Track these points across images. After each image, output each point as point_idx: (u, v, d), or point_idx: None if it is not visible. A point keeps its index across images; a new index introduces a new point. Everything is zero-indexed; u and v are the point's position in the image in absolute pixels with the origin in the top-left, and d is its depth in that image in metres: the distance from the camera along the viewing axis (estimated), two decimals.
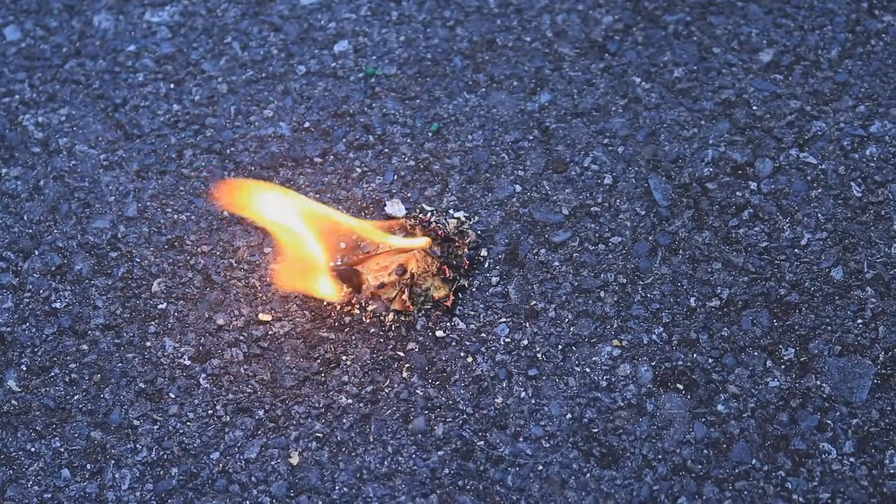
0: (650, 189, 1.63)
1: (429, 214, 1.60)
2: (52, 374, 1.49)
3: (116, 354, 1.50)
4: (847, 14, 1.83)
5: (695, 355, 1.46)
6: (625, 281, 1.54)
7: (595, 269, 1.55)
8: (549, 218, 1.60)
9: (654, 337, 1.48)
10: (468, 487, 1.37)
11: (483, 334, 1.49)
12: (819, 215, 1.59)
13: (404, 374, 1.46)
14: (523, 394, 1.44)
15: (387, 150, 1.69)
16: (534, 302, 1.52)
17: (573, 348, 1.48)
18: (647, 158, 1.66)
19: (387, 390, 1.45)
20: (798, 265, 1.54)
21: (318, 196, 1.64)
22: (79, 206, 1.65)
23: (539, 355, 1.47)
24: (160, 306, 1.54)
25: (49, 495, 1.39)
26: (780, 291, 1.51)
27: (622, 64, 1.79)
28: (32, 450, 1.42)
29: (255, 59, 1.83)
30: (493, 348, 1.48)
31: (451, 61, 1.81)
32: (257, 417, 1.44)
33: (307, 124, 1.74)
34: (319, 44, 1.85)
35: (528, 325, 1.50)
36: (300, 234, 1.51)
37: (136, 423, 1.44)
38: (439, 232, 1.55)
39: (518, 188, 1.64)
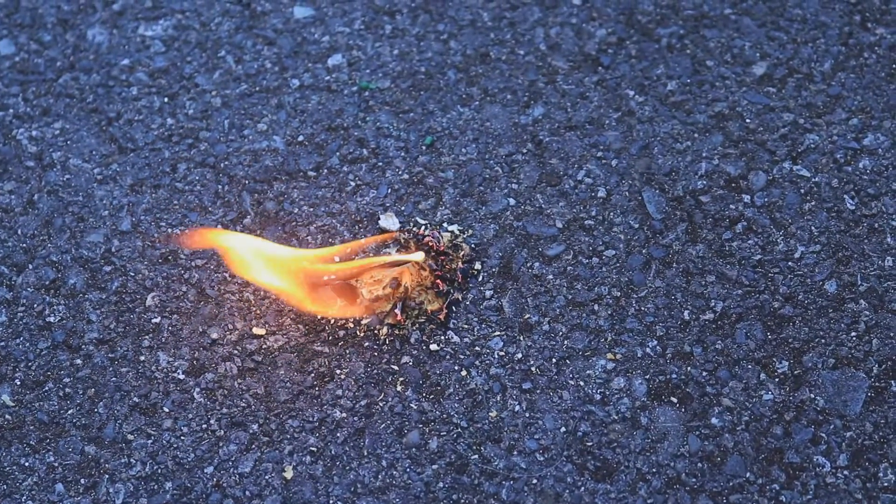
0: (644, 202, 1.63)
1: (423, 228, 1.60)
2: (46, 388, 1.49)
3: (110, 369, 1.50)
4: (840, 27, 1.84)
5: (689, 368, 1.46)
6: (619, 294, 1.54)
7: (589, 282, 1.55)
8: (543, 231, 1.60)
9: (648, 350, 1.48)
10: (463, 501, 1.37)
11: (477, 348, 1.49)
12: (812, 228, 1.59)
13: (398, 388, 1.46)
14: (517, 407, 1.44)
15: (381, 164, 1.70)
16: (528, 315, 1.52)
17: (567, 362, 1.48)
18: (640, 171, 1.66)
19: (381, 404, 1.45)
20: (792, 278, 1.54)
21: (311, 210, 1.64)
22: (73, 220, 1.65)
23: (533, 369, 1.47)
24: (154, 320, 1.54)
25: None
26: (774, 304, 1.52)
27: (616, 77, 1.79)
28: (26, 464, 1.42)
29: (248, 73, 1.83)
30: (488, 362, 1.48)
31: (444, 75, 1.81)
32: (251, 431, 1.44)
33: (301, 138, 1.74)
34: (313, 57, 1.85)
35: (522, 338, 1.50)
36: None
37: (130, 437, 1.44)
38: (433, 245, 1.55)
39: (512, 201, 1.64)
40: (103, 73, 1.84)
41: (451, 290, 1.53)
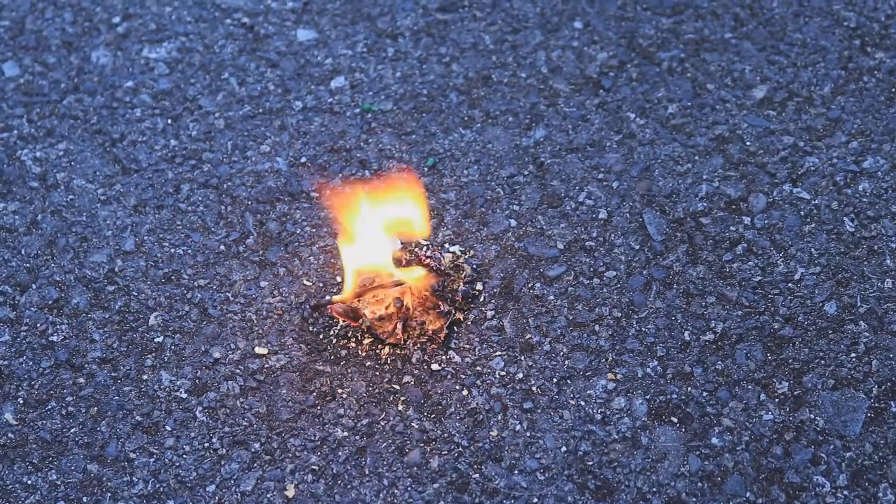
0: (644, 224, 1.63)
1: (424, 249, 1.61)
2: (49, 407, 1.49)
3: (113, 387, 1.50)
4: (839, 51, 1.85)
5: (689, 389, 1.47)
6: (619, 315, 1.54)
7: (590, 302, 1.56)
8: (544, 252, 1.61)
9: (648, 370, 1.49)
10: None
11: (478, 367, 1.50)
12: (812, 250, 1.59)
13: (400, 407, 1.47)
14: (518, 427, 1.44)
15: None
16: (529, 335, 1.52)
17: (568, 381, 1.48)
18: (641, 193, 1.67)
19: (382, 423, 1.45)
20: (792, 299, 1.55)
21: (314, 230, 1.65)
22: (76, 240, 1.66)
23: (534, 388, 1.47)
24: (157, 340, 1.55)
25: None
26: (774, 325, 1.52)
27: (617, 100, 1.80)
28: (29, 483, 1.43)
29: (252, 95, 1.84)
30: (489, 381, 1.48)
31: (446, 97, 1.82)
32: (253, 450, 1.44)
33: (304, 159, 1.75)
34: (316, 80, 1.86)
35: (523, 358, 1.50)
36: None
37: (132, 455, 1.44)
38: (434, 266, 1.55)
39: (513, 223, 1.65)
40: (107, 94, 1.85)
41: (453, 311, 1.54)
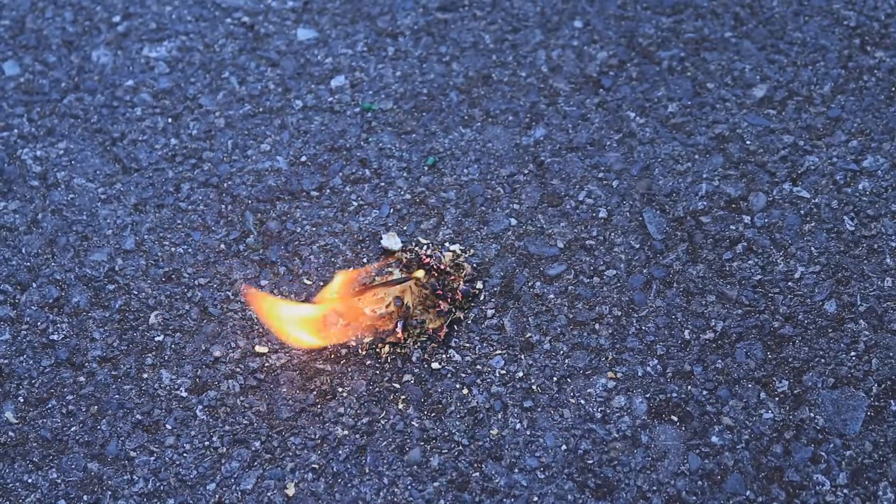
0: (644, 222, 1.63)
1: (424, 248, 1.61)
2: (50, 405, 1.49)
3: (113, 386, 1.50)
4: (839, 50, 1.85)
5: (689, 387, 1.47)
6: (619, 313, 1.54)
7: (590, 301, 1.56)
8: (544, 251, 1.61)
9: (648, 369, 1.49)
10: None
11: (478, 366, 1.50)
12: (812, 249, 1.60)
13: (400, 406, 1.47)
14: (518, 425, 1.44)
15: (383, 184, 1.70)
16: (529, 334, 1.53)
17: (568, 380, 1.48)
18: (641, 192, 1.67)
19: (382, 422, 1.46)
20: (791, 298, 1.55)
21: (314, 229, 1.65)
22: (77, 239, 1.66)
23: (534, 387, 1.48)
24: (157, 338, 1.55)
25: None
26: (774, 324, 1.52)
27: (617, 99, 1.80)
28: (29, 481, 1.43)
29: (252, 94, 1.84)
30: (489, 380, 1.48)
31: (446, 96, 1.82)
32: (254, 449, 1.44)
33: (304, 158, 1.75)
34: (316, 79, 1.86)
35: (523, 357, 1.50)
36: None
37: (132, 454, 1.44)
38: (434, 265, 1.56)
39: (513, 221, 1.65)
40: (107, 93, 1.85)
41: (453, 310, 1.54)
